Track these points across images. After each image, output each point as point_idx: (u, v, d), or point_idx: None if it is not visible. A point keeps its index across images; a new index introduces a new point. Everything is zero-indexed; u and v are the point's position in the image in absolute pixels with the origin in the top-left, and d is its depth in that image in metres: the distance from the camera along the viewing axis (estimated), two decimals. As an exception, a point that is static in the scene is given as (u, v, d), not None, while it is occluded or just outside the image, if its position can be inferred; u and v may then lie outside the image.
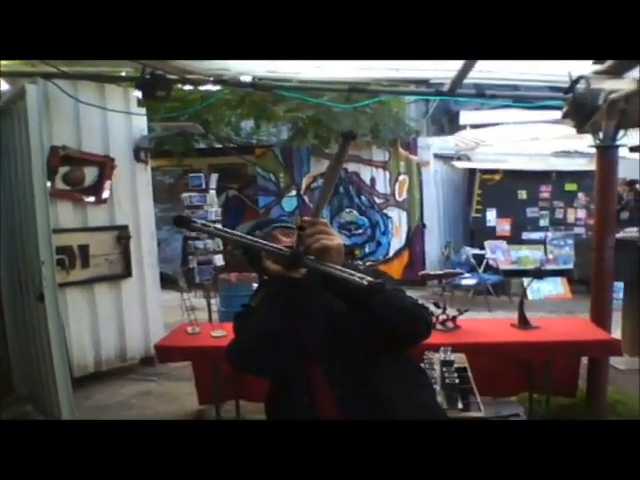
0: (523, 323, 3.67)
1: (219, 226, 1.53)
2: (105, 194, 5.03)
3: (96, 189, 5.00)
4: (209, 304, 5.55)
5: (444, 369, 2.51)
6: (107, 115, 5.04)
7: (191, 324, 3.90)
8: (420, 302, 1.63)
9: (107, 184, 5.05)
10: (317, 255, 1.41)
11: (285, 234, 1.72)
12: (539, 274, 3.98)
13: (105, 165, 5.04)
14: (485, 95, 3.69)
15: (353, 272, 1.34)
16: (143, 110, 5.35)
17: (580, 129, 3.52)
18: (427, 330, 1.59)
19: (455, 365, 2.60)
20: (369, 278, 1.29)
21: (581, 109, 3.22)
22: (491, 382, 3.42)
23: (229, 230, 1.45)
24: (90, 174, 5.00)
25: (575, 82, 3.29)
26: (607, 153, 3.85)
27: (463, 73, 3.27)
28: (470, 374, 2.68)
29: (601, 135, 3.81)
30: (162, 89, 3.34)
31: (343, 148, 1.31)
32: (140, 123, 5.40)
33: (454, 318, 3.63)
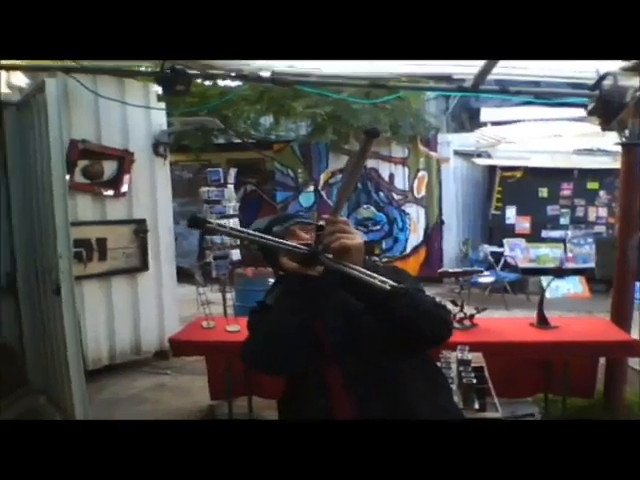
0: (542, 322, 3.62)
1: (236, 222, 1.50)
2: (124, 188, 5.05)
3: (115, 183, 5.02)
4: (225, 298, 5.54)
5: (461, 368, 2.48)
6: (126, 109, 5.04)
7: (206, 318, 3.89)
8: (438, 300, 1.60)
9: (126, 178, 5.06)
10: (336, 254, 1.39)
11: (304, 230, 1.70)
12: (560, 273, 3.90)
13: (124, 159, 5.06)
14: (509, 92, 3.62)
15: (374, 274, 1.32)
16: (162, 105, 5.35)
17: (606, 126, 3.43)
18: (448, 332, 1.56)
19: (472, 364, 2.56)
20: (391, 282, 1.27)
21: (608, 106, 3.14)
22: (508, 382, 3.38)
23: (244, 230, 1.44)
24: (109, 168, 5.01)
25: (602, 78, 3.22)
26: (632, 151, 3.77)
27: (486, 69, 3.21)
28: (487, 374, 2.64)
29: (627, 133, 3.73)
30: (182, 83, 3.31)
31: (365, 145, 1.28)
32: (159, 118, 5.41)
33: (472, 316, 3.59)
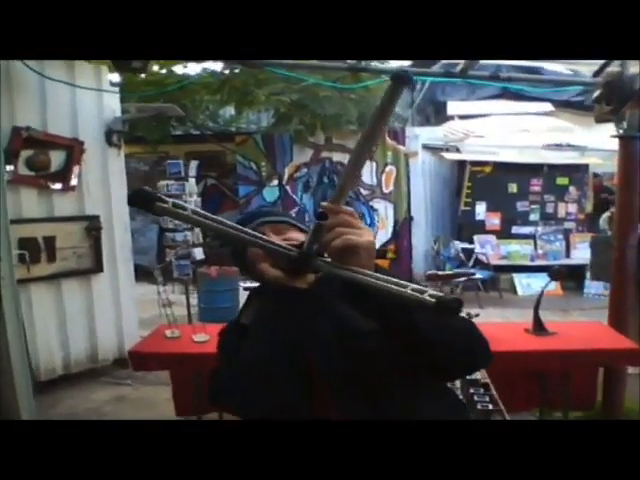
0: (539, 329, 3.34)
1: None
2: (73, 181, 4.57)
3: (63, 175, 4.54)
4: (189, 302, 5.15)
5: (472, 390, 2.15)
6: (76, 94, 4.58)
7: (170, 326, 3.48)
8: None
9: (75, 170, 4.58)
10: (339, 256, 1.03)
11: (276, 231, 1.31)
12: (557, 275, 3.62)
13: (73, 149, 4.58)
14: (499, 78, 3.32)
15: (404, 282, 0.93)
16: (116, 88, 4.90)
17: (611, 116, 3.17)
18: (489, 360, 1.23)
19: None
20: (433, 291, 0.90)
21: (618, 93, 2.87)
22: (503, 396, 3.08)
23: (212, 216, 1.02)
24: (56, 158, 4.53)
25: (606, 64, 2.97)
26: (631, 144, 3.52)
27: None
28: (494, 392, 2.33)
29: (625, 125, 3.48)
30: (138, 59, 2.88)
31: (392, 96, 0.90)
32: (113, 104, 4.95)
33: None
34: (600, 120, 3.43)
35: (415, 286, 0.90)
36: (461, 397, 2.17)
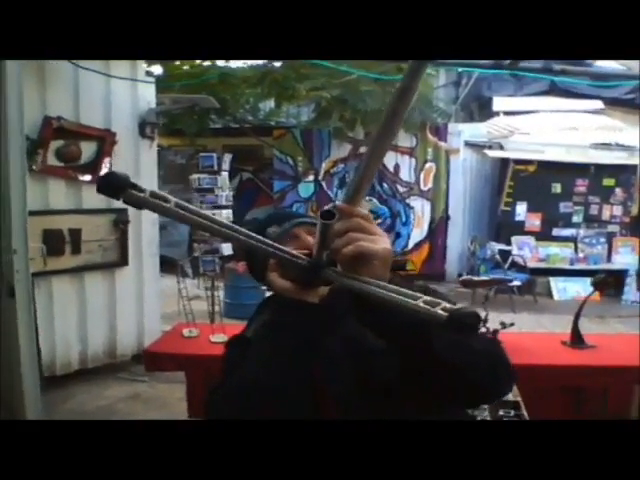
0: (577, 341, 3.14)
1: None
2: (103, 172, 4.48)
3: (93, 166, 4.49)
4: (213, 297, 5.05)
5: (501, 412, 1.98)
6: (110, 84, 4.54)
7: (188, 325, 3.41)
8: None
9: (106, 161, 4.54)
10: (350, 265, 0.90)
11: (312, 233, 1.18)
12: (601, 285, 3.39)
13: (105, 140, 4.54)
14: (553, 70, 3.10)
15: (418, 294, 0.79)
16: (151, 79, 4.85)
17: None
18: (511, 384, 1.12)
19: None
20: (448, 304, 0.76)
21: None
22: (534, 411, 2.90)
23: (204, 213, 0.89)
24: (87, 149, 4.49)
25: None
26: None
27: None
28: (525, 412, 2.16)
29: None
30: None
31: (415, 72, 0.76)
32: (147, 94, 4.88)
33: (495, 332, 3.09)
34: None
35: (428, 298, 0.78)
36: (489, 418, 2.02)
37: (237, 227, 0.91)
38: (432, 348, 0.92)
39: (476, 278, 3.68)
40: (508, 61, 3.17)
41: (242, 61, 7.67)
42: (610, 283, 3.45)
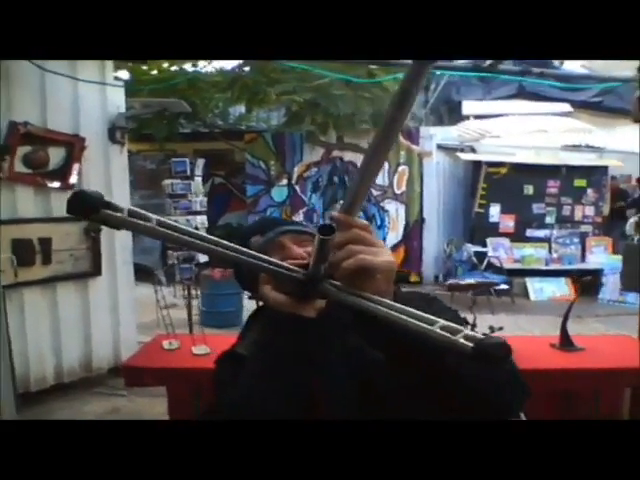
0: (566, 344, 3.10)
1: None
2: (73, 179, 4.36)
3: (62, 173, 4.33)
4: (190, 305, 4.92)
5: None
6: (78, 88, 4.39)
7: (168, 336, 3.27)
8: None
9: (75, 167, 4.38)
10: (350, 279, 0.83)
11: (298, 242, 1.14)
12: (588, 284, 3.37)
13: (74, 145, 4.38)
14: (531, 73, 3.08)
15: (429, 317, 0.72)
16: (120, 82, 4.71)
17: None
18: (524, 399, 1.03)
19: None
20: (469, 332, 0.68)
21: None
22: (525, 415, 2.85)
23: (190, 229, 0.80)
24: (56, 155, 4.33)
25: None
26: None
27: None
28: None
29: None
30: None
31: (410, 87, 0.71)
32: (117, 99, 4.75)
33: (484, 337, 3.04)
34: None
35: (445, 323, 0.70)
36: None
37: (226, 243, 0.83)
38: (444, 366, 0.84)
39: (463, 282, 3.61)
40: (488, 62, 3.12)
41: (212, 66, 7.61)
42: (592, 282, 3.42)
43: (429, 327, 0.70)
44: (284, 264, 0.90)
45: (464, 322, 1.06)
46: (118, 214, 0.72)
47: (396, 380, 0.93)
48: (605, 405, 3.02)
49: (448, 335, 0.68)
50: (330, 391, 1.01)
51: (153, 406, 3.94)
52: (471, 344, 0.65)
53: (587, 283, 3.33)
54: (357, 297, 0.81)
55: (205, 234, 0.81)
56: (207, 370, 2.84)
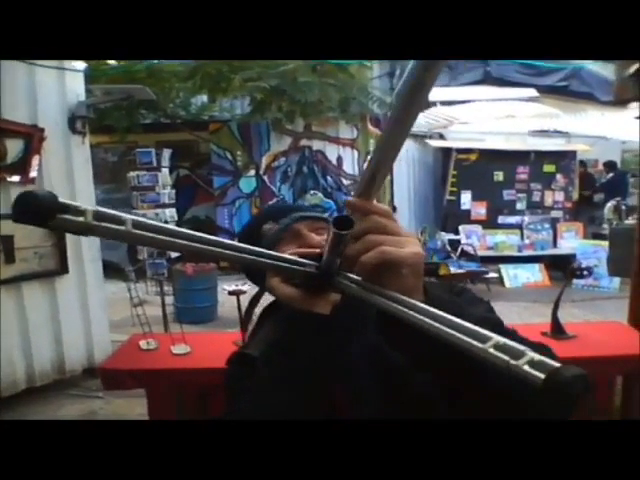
0: (558, 331, 3.03)
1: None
2: (33, 172, 4.12)
3: (21, 166, 4.07)
4: (164, 302, 4.72)
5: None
6: (35, 75, 4.13)
7: (145, 336, 3.07)
8: None
9: (35, 160, 4.13)
10: (371, 275, 0.70)
11: (314, 229, 1.02)
12: (580, 272, 3.30)
13: (32, 137, 4.12)
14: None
15: (479, 330, 0.55)
16: (80, 68, 4.46)
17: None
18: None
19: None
20: (537, 355, 0.50)
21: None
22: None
23: (172, 228, 0.64)
24: (13, 148, 4.06)
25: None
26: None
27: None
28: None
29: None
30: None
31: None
32: (77, 87, 4.49)
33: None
34: (622, 101, 3.12)
35: (501, 341, 0.53)
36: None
37: (222, 240, 0.68)
38: (488, 387, 0.69)
39: (453, 271, 3.53)
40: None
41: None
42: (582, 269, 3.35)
43: (479, 345, 0.54)
44: (294, 258, 0.77)
45: (513, 332, 0.90)
46: (80, 218, 0.56)
47: (429, 386, 0.79)
48: (599, 393, 2.96)
49: (506, 359, 0.51)
50: (353, 394, 0.90)
51: (132, 407, 3.77)
52: (541, 374, 0.48)
53: (577, 269, 3.25)
54: (379, 296, 0.67)
55: (203, 235, 0.66)
56: (189, 370, 2.69)
